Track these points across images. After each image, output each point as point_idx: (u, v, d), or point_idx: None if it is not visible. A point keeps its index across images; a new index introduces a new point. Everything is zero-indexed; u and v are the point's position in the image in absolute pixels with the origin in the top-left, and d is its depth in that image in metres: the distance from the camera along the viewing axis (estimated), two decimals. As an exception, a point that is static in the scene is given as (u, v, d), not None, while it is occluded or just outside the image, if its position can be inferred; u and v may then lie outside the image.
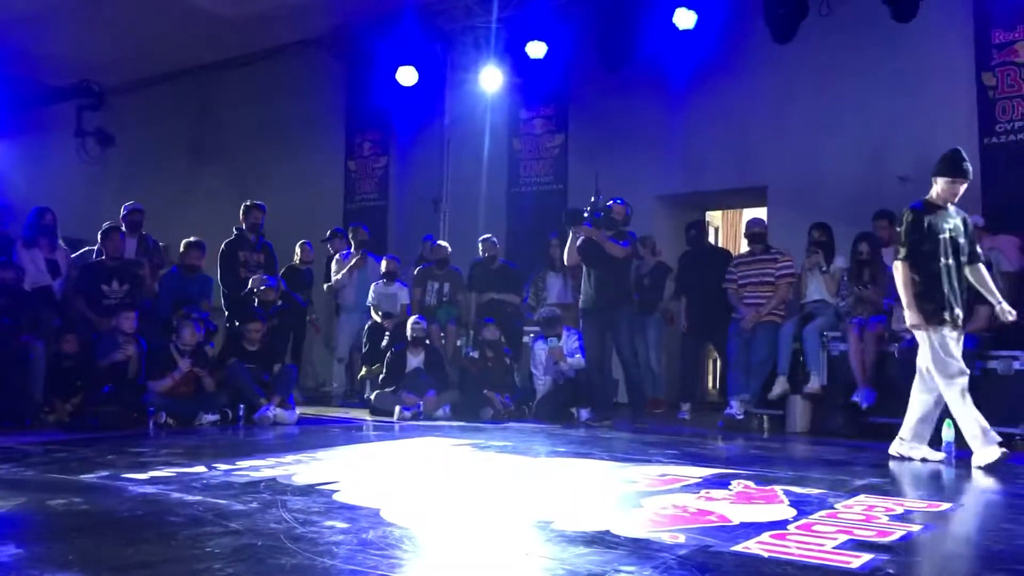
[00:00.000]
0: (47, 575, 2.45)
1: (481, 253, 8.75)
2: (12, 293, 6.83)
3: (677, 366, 8.42)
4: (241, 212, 8.36)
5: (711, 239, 10.00)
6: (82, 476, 4.14)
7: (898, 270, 5.10)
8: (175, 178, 13.08)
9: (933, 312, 5.01)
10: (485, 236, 8.82)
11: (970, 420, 4.98)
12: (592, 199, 7.17)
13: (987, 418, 6.02)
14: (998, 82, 7.58)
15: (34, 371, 6.50)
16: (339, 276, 8.95)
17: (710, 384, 9.66)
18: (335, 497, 3.61)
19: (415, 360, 7.73)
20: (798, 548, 2.87)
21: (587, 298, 7.20)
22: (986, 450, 4.90)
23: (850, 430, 6.51)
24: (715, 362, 8.90)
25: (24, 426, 6.22)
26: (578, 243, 7.14)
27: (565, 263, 7.59)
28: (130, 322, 6.78)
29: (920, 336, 5.09)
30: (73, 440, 5.57)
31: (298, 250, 9.32)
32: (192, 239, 8.02)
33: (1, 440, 5.47)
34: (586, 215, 7.05)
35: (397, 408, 7.38)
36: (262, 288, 7.84)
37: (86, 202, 10.79)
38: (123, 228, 7.84)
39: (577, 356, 7.48)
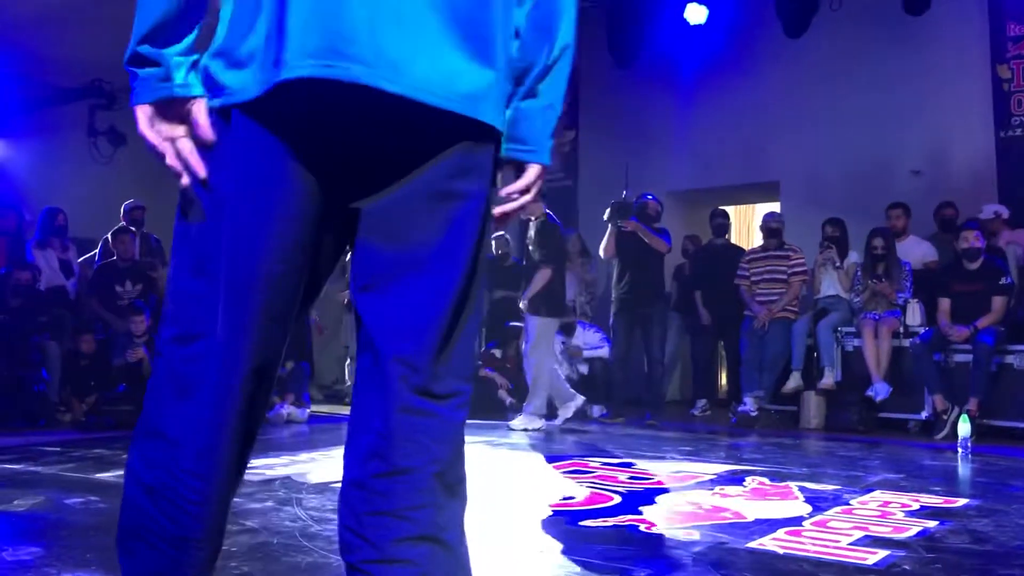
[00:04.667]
0: (65, 574, 2.47)
1: (493, 251, 8.74)
2: (27, 294, 6.88)
3: (688, 363, 8.40)
4: None
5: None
6: (98, 475, 4.17)
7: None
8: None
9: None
10: (497, 233, 8.81)
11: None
12: (623, 194, 7.13)
13: (1003, 412, 6.03)
14: (1013, 75, 7.51)
15: (50, 371, 6.54)
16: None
17: (722, 381, 9.63)
18: (349, 495, 3.61)
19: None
20: (813, 544, 2.86)
21: (620, 294, 7.15)
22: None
23: (864, 426, 6.48)
24: (722, 359, 8.84)
25: (38, 426, 6.27)
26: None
27: (602, 256, 7.52)
28: (139, 325, 6.80)
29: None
30: (89, 439, 5.61)
31: None
32: None
33: (17, 440, 5.51)
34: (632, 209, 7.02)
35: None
36: None
37: (98, 202, 10.82)
38: (131, 228, 7.88)
39: (604, 348, 7.48)
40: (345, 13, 1.21)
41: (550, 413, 6.61)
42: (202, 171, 1.28)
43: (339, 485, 1.31)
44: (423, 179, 1.27)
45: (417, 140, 1.26)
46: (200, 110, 1.28)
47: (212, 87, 1.27)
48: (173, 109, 1.28)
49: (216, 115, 1.27)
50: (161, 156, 1.31)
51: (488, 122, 1.29)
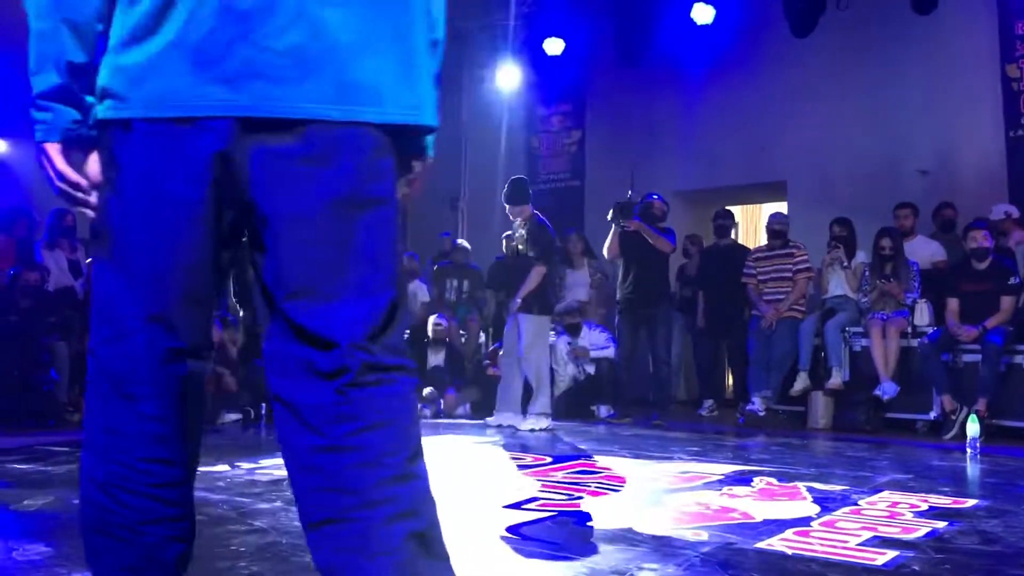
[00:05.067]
0: (75, 574, 2.48)
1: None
2: (36, 295, 6.90)
3: (692, 363, 8.38)
4: None
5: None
6: (107, 475, 4.17)
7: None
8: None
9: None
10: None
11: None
12: (628, 194, 7.12)
13: (1012, 412, 6.01)
14: (1022, 74, 7.48)
15: (59, 371, 6.56)
16: None
17: (728, 381, 9.61)
18: (357, 495, 3.61)
19: (435, 359, 7.74)
20: (822, 545, 2.86)
21: (624, 294, 7.14)
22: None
23: (872, 426, 6.47)
24: (727, 359, 8.82)
25: (47, 426, 6.29)
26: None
27: (606, 256, 7.50)
28: None
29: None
30: (97, 439, 5.61)
31: None
32: None
33: (26, 440, 5.53)
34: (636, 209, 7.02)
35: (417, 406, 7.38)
36: None
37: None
38: None
39: (610, 348, 7.48)
40: (260, 41, 1.25)
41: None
42: (93, 213, 1.39)
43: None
44: (344, 183, 1.31)
45: (334, 145, 1.30)
46: (94, 155, 1.37)
47: (114, 98, 1.31)
48: (72, 148, 1.37)
49: (117, 124, 1.31)
50: (76, 190, 1.40)
51: (429, 124, 1.41)
